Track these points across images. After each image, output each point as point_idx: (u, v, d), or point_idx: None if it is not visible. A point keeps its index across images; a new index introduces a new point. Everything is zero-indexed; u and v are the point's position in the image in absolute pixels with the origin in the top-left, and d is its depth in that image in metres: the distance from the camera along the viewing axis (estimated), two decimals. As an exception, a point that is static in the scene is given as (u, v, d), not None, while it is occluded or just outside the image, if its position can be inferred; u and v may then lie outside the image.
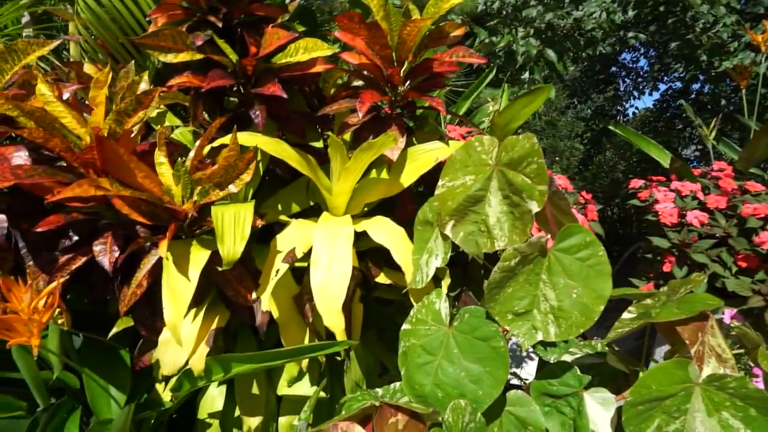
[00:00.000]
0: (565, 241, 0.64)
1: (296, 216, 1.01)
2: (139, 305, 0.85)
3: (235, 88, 0.97)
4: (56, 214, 0.78)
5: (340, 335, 0.73)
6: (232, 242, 0.69)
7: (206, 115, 1.03)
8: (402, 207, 1.04)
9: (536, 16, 2.31)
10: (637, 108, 6.17)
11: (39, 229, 0.74)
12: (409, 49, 0.88)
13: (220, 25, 0.82)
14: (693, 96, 6.20)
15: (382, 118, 0.94)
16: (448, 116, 1.62)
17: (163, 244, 0.69)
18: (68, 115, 0.75)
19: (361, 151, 0.79)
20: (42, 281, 0.84)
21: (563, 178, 1.41)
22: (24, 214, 0.83)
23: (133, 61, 1.03)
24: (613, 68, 6.20)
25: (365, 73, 0.96)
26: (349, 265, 0.76)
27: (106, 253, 0.78)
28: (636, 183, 1.63)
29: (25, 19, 1.44)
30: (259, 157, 0.97)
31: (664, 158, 1.69)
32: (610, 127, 1.91)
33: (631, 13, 2.33)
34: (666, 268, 1.40)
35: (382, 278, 0.99)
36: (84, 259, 0.82)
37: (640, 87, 5.51)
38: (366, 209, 1.02)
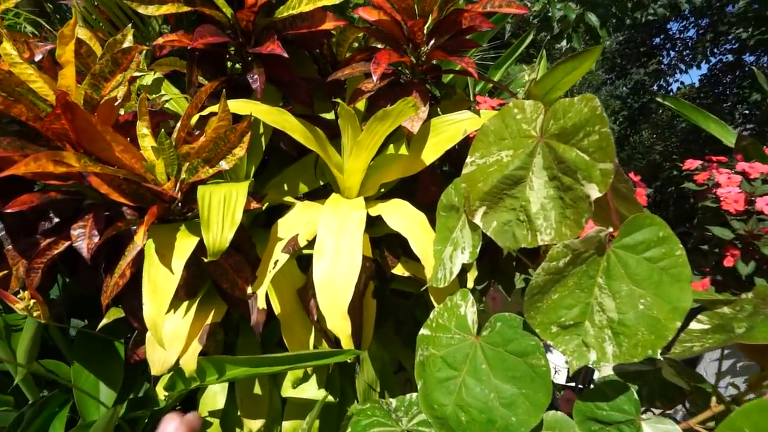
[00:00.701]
0: (630, 236, 0.50)
1: (304, 197, 0.90)
2: (128, 295, 0.76)
3: (234, 50, 0.85)
4: (30, 193, 0.69)
5: (346, 341, 0.61)
6: (219, 229, 0.58)
7: (206, 82, 0.92)
8: (424, 188, 0.91)
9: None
10: (682, 83, 5.72)
11: (9, 210, 0.66)
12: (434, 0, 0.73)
13: (210, -29, 0.69)
14: (746, 69, 5.67)
15: (401, 84, 0.80)
16: (478, 86, 1.45)
17: (140, 231, 0.59)
18: (38, 79, 0.65)
19: (375, 121, 0.66)
20: (22, 267, 0.76)
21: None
22: (1, 193, 0.75)
23: (130, 24, 0.92)
24: (657, 39, 5.74)
25: (384, 30, 0.82)
26: (359, 256, 0.64)
27: (84, 237, 0.69)
28: (692, 163, 1.43)
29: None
30: (261, 130, 0.85)
31: (726, 135, 1.48)
32: (659, 99, 1.69)
33: None
34: (727, 262, 1.22)
35: (399, 270, 0.87)
36: (66, 243, 0.73)
37: (687, 59, 5.05)
38: (383, 190, 0.90)
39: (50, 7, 1.50)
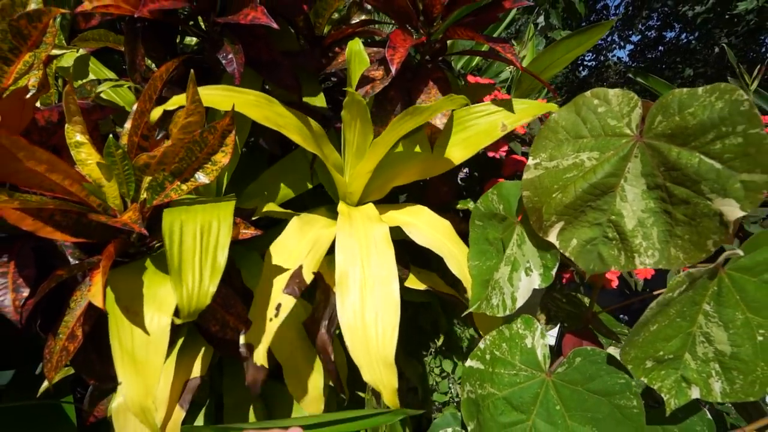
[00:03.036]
0: (749, 256, 0.41)
1: (292, 204, 0.73)
2: (80, 350, 0.57)
3: (192, 22, 0.65)
4: None
5: (391, 397, 0.48)
6: (197, 280, 0.42)
7: (153, 65, 0.71)
8: (434, 188, 0.78)
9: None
10: (619, 58, 5.97)
11: None
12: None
13: None
14: (668, 44, 6.06)
15: (413, 70, 0.66)
16: (458, 63, 1.33)
17: (97, 285, 0.41)
18: None
19: (404, 117, 0.51)
20: None
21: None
22: None
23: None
24: (593, 16, 5.92)
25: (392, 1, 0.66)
26: (396, 285, 0.51)
27: (7, 291, 0.49)
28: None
29: None
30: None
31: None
32: (631, 75, 1.67)
33: None
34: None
35: (413, 283, 0.74)
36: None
37: (625, 35, 5.26)
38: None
39: None
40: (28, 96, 0.49)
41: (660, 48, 6.02)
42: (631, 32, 5.30)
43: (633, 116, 0.42)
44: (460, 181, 1.00)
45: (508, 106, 0.63)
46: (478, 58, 1.34)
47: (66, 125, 0.47)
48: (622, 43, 5.27)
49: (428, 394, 1.07)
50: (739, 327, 0.42)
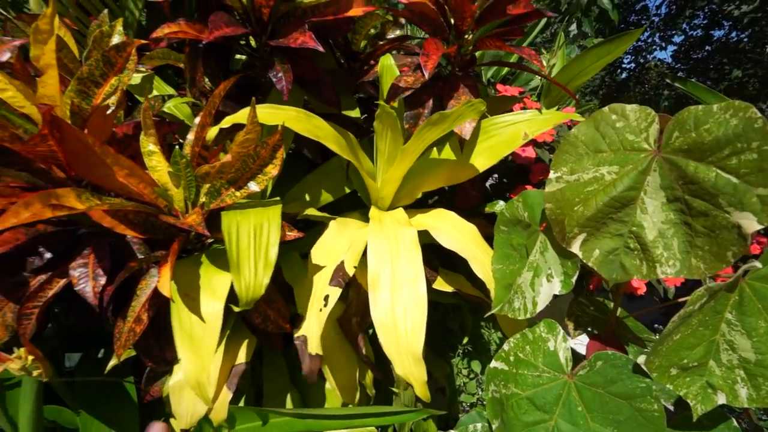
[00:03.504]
0: None
1: (328, 208, 0.79)
2: (142, 336, 0.65)
3: (243, 41, 0.72)
4: (12, 229, 0.56)
5: (421, 389, 0.52)
6: (253, 273, 0.48)
7: (207, 81, 0.79)
8: (463, 193, 0.82)
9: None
10: (660, 60, 5.77)
11: (-14, 252, 0.53)
12: (486, -22, 0.62)
13: (221, -55, 0.56)
14: (716, 44, 5.77)
15: (444, 78, 0.70)
16: (488, 72, 1.35)
17: (165, 276, 0.47)
18: (9, 87, 0.51)
19: (428, 125, 0.56)
20: (9, 311, 0.63)
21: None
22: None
23: (105, 11, 0.77)
24: (633, 17, 5.73)
25: (425, 15, 0.70)
26: (423, 285, 0.55)
27: (87, 279, 0.57)
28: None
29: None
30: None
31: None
32: (669, 81, 1.63)
33: None
34: (754, 249, 1.19)
35: (441, 285, 0.78)
36: (62, 282, 0.61)
37: (667, 35, 5.06)
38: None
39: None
40: (108, 112, 0.57)
41: (707, 48, 5.75)
42: (673, 32, 5.08)
43: (651, 131, 0.45)
44: (489, 187, 1.03)
45: (531, 115, 0.66)
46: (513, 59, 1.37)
47: (141, 136, 0.54)
48: (663, 44, 5.06)
49: (456, 395, 1.10)
50: (762, 335, 0.43)
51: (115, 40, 0.59)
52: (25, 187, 0.57)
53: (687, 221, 0.42)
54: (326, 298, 0.56)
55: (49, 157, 0.52)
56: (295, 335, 0.57)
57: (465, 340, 1.08)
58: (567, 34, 2.05)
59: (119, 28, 0.60)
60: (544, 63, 1.36)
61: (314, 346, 0.55)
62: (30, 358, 0.56)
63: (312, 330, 0.56)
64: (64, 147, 0.49)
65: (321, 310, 0.56)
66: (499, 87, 1.06)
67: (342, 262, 0.59)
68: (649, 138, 0.45)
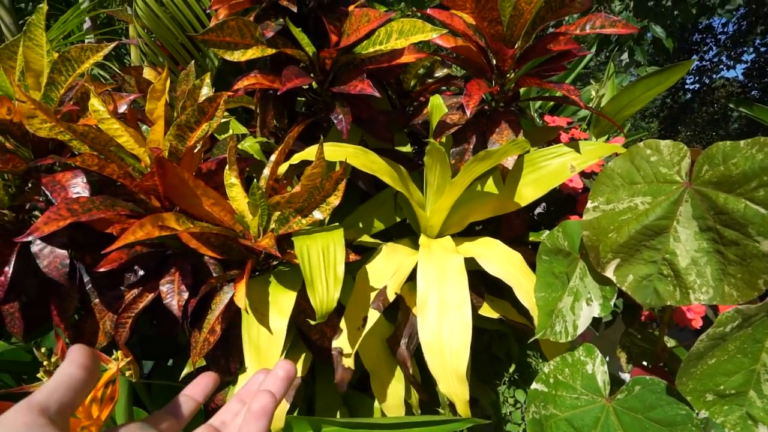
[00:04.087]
0: (810, 296, 0.43)
1: (380, 235, 0.85)
2: (211, 349, 0.74)
3: (307, 86, 0.82)
4: (118, 250, 0.68)
5: (462, 408, 0.56)
6: (325, 288, 0.55)
7: (274, 119, 0.90)
8: (508, 223, 0.85)
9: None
10: (727, 79, 5.43)
11: (101, 269, 0.64)
12: (524, 23, 0.68)
13: (294, 9, 0.67)
14: (794, 60, 5.35)
15: (487, 114, 0.76)
16: (536, 103, 1.39)
17: (240, 291, 0.56)
18: (125, 133, 0.63)
19: (475, 161, 0.61)
20: (109, 320, 0.75)
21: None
22: (86, 245, 0.74)
23: (193, 62, 0.91)
24: (696, 35, 5.49)
25: (462, 58, 0.78)
26: (468, 311, 0.59)
27: (174, 294, 0.67)
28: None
29: (87, 25, 1.39)
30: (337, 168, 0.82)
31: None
32: (733, 106, 1.57)
33: None
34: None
35: (487, 311, 0.81)
36: (151, 296, 0.72)
37: (734, 54, 4.77)
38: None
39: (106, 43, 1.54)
40: (196, 151, 0.68)
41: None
42: (742, 50, 4.79)
43: (683, 165, 0.47)
44: (536, 216, 1.05)
45: (576, 147, 0.69)
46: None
47: (225, 170, 0.64)
48: (731, 63, 4.77)
49: (501, 423, 1.09)
50: (804, 367, 0.43)
51: (205, 91, 0.71)
52: (130, 214, 0.69)
53: (720, 250, 0.44)
54: (365, 319, 0.62)
55: (151, 189, 0.64)
56: (333, 345, 0.63)
57: (512, 369, 1.09)
58: (619, 62, 2.03)
59: (207, 80, 0.72)
60: (594, 92, 1.38)
61: (348, 360, 0.61)
62: (124, 360, 0.66)
63: (347, 346, 0.62)
64: (164, 181, 0.60)
65: (358, 329, 0.62)
66: (547, 118, 1.10)
67: (385, 287, 0.65)
68: (681, 171, 0.48)
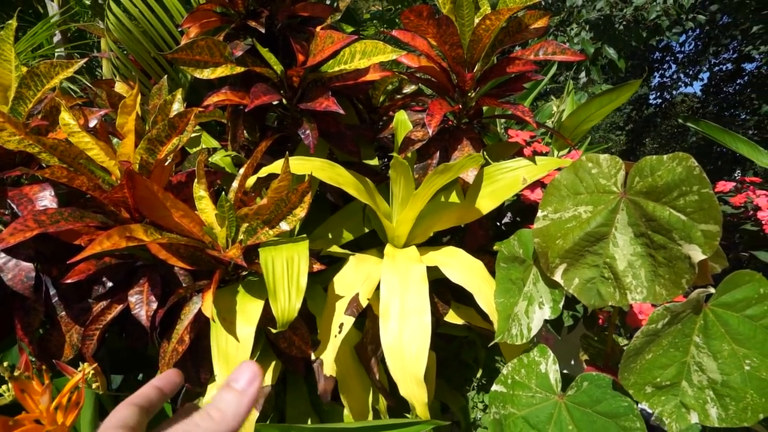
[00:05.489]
0: (729, 294, 0.48)
1: (349, 245, 0.88)
2: (180, 359, 0.74)
3: (277, 102, 0.85)
4: (86, 261, 0.68)
5: (422, 410, 0.59)
6: (287, 298, 0.57)
7: (245, 132, 0.92)
8: (472, 233, 0.89)
9: (582, 6, 2.08)
10: (686, 95, 5.75)
11: (68, 281, 0.64)
12: (483, 47, 0.73)
13: (262, 30, 0.70)
14: (746, 77, 5.72)
15: (450, 131, 0.80)
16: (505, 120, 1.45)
17: (208, 301, 0.57)
18: (95, 147, 0.64)
19: (435, 175, 0.65)
20: (76, 333, 0.74)
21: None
22: (53, 258, 0.74)
23: (165, 77, 0.92)
24: (657, 54, 5.80)
25: (427, 77, 0.82)
26: (428, 317, 0.62)
27: (142, 304, 0.67)
28: (725, 185, 1.41)
29: (57, 38, 1.38)
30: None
31: (759, 156, 1.46)
32: (680, 120, 1.68)
33: None
34: None
35: (453, 318, 0.85)
36: (119, 307, 0.72)
37: (691, 72, 5.08)
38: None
39: (77, 56, 1.53)
40: (167, 163, 0.70)
41: (738, 81, 5.70)
42: (698, 69, 5.10)
43: (618, 177, 0.52)
44: (503, 226, 1.10)
45: (529, 162, 0.74)
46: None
47: (195, 184, 0.66)
48: (688, 80, 5.08)
49: (471, 427, 1.12)
50: (726, 357, 0.48)
51: (176, 106, 0.73)
52: (99, 226, 0.69)
53: (651, 253, 0.49)
54: (341, 325, 0.64)
55: (120, 201, 0.65)
56: (313, 358, 0.65)
57: (479, 374, 1.12)
58: (576, 81, 2.15)
59: (179, 96, 0.74)
60: (555, 108, 1.45)
61: (329, 368, 0.63)
62: (90, 372, 0.66)
63: (327, 354, 0.64)
64: (134, 194, 0.61)
65: (336, 336, 0.64)
66: (511, 132, 1.15)
67: (357, 294, 0.68)
68: (617, 182, 0.52)
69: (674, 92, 5.49)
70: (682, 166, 0.45)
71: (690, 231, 0.45)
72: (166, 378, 0.29)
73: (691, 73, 5.12)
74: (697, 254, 0.44)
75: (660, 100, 5.62)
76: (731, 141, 1.54)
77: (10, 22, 0.66)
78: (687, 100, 6.17)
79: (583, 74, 2.09)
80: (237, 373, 0.25)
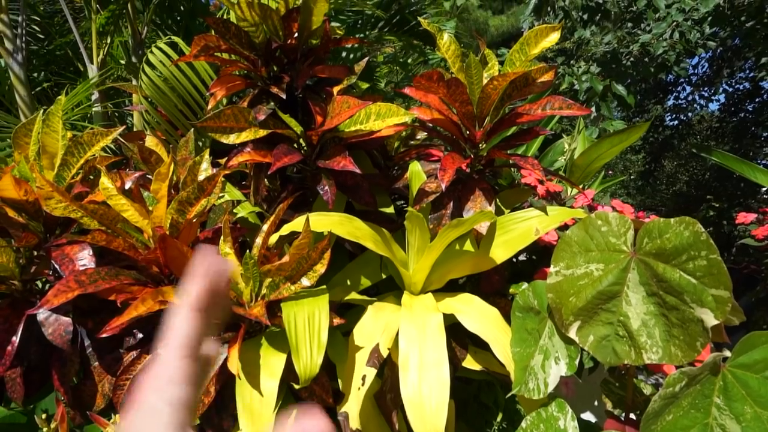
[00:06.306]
0: (746, 355, 0.48)
1: (367, 291, 0.90)
2: (208, 408, 0.76)
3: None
4: (119, 315, 0.72)
5: (444, 465, 0.59)
6: (309, 354, 0.59)
7: (266, 181, 0.97)
8: (487, 278, 0.91)
9: (590, 38, 2.13)
10: (703, 117, 5.72)
11: (103, 335, 0.68)
12: (492, 103, 0.77)
13: (283, 96, 0.75)
14: (765, 95, 5.65)
15: (463, 181, 0.83)
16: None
17: (234, 357, 0.60)
18: (130, 208, 0.69)
19: (449, 228, 0.68)
20: (107, 382, 0.78)
21: (619, 203, 1.20)
22: (89, 311, 0.78)
23: (192, 130, 0.99)
24: (670, 77, 5.79)
25: (439, 129, 0.86)
26: (446, 369, 0.63)
27: (171, 357, 0.70)
28: (746, 217, 1.39)
29: (95, 96, 1.48)
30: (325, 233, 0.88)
31: (777, 185, 1.45)
32: (694, 150, 1.67)
33: (708, 30, 2.08)
34: None
35: (470, 363, 0.85)
36: (149, 357, 0.75)
37: (704, 93, 5.06)
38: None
39: (112, 109, 1.64)
40: (195, 221, 0.74)
41: (757, 100, 5.63)
42: (712, 91, 5.07)
43: (628, 236, 0.54)
44: (519, 263, 1.11)
45: (542, 211, 0.76)
46: (533, 150, 1.50)
47: (221, 241, 0.70)
48: (703, 103, 5.05)
49: (494, 473, 1.10)
50: (749, 420, 0.48)
51: (204, 166, 0.78)
52: (132, 282, 0.73)
53: (665, 313, 0.50)
54: (363, 377, 0.66)
55: (152, 260, 0.69)
56: (339, 411, 0.66)
57: (499, 417, 1.10)
58: (587, 117, 2.17)
59: (206, 156, 0.80)
60: (566, 145, 1.47)
61: (354, 421, 0.64)
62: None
63: (352, 407, 0.65)
64: (165, 254, 0.65)
65: (359, 388, 0.65)
66: (523, 172, 1.18)
67: (377, 345, 0.69)
68: (627, 241, 0.54)
69: (690, 114, 5.45)
70: (689, 231, 0.47)
71: (701, 295, 0.46)
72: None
73: (706, 94, 5.09)
74: (710, 319, 0.45)
75: (676, 122, 5.58)
76: (749, 171, 1.53)
77: (59, 98, 0.73)
78: (705, 119, 6.11)
79: (593, 110, 2.11)
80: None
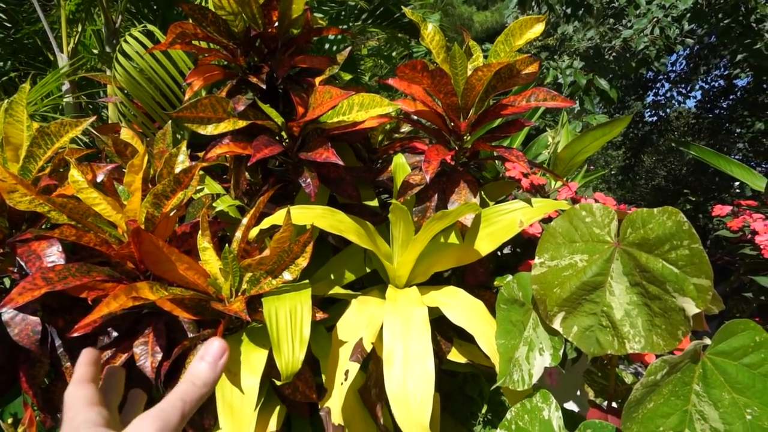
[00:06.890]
0: (725, 342, 0.48)
1: (351, 285, 0.89)
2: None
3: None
4: (92, 312, 0.69)
5: (429, 459, 0.59)
6: (290, 349, 0.58)
7: (247, 174, 0.94)
8: (472, 270, 0.90)
9: (573, 33, 2.15)
10: (681, 113, 5.84)
11: (74, 335, 0.65)
12: (476, 94, 0.76)
13: (263, 86, 0.73)
14: (738, 93, 5.81)
15: (447, 174, 0.82)
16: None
17: (213, 355, 0.58)
18: (102, 202, 0.66)
19: (433, 221, 0.67)
20: (79, 384, 0.74)
21: (602, 196, 1.22)
22: (59, 309, 0.75)
23: (169, 122, 0.95)
24: (650, 73, 5.91)
25: (423, 122, 0.85)
26: (431, 362, 0.63)
27: (147, 356, 0.68)
28: (722, 209, 1.43)
29: (66, 86, 1.42)
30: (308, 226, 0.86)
31: (752, 179, 1.48)
32: (673, 145, 1.70)
33: (687, 26, 2.12)
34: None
35: (455, 356, 0.85)
36: (124, 356, 0.72)
37: (682, 90, 5.17)
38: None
39: (85, 101, 1.58)
40: (171, 215, 0.72)
41: (731, 97, 5.79)
42: (689, 88, 5.19)
43: (611, 226, 0.54)
44: (504, 255, 1.11)
45: (527, 203, 0.76)
46: (517, 144, 1.50)
47: (198, 236, 0.68)
48: (681, 99, 5.17)
49: (479, 465, 1.10)
50: (727, 406, 0.48)
51: (181, 158, 0.75)
52: (105, 279, 0.70)
53: (647, 303, 0.50)
54: (347, 372, 0.65)
55: (126, 256, 0.66)
56: (320, 407, 0.65)
57: (484, 409, 1.11)
58: (571, 110, 2.20)
59: (183, 148, 0.77)
60: (550, 138, 1.48)
61: (336, 417, 0.63)
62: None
63: (334, 402, 0.64)
64: (140, 249, 0.63)
65: (342, 383, 0.64)
66: (508, 165, 1.18)
67: (361, 339, 0.68)
68: (611, 232, 0.54)
69: (668, 110, 5.57)
70: (672, 221, 0.47)
71: (683, 284, 0.46)
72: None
73: (683, 91, 5.21)
74: (691, 307, 0.45)
75: (655, 118, 5.70)
76: (725, 165, 1.56)
77: (23, 85, 0.69)
78: (682, 116, 6.26)
79: (576, 103, 2.13)
80: (208, 348, 0.30)
